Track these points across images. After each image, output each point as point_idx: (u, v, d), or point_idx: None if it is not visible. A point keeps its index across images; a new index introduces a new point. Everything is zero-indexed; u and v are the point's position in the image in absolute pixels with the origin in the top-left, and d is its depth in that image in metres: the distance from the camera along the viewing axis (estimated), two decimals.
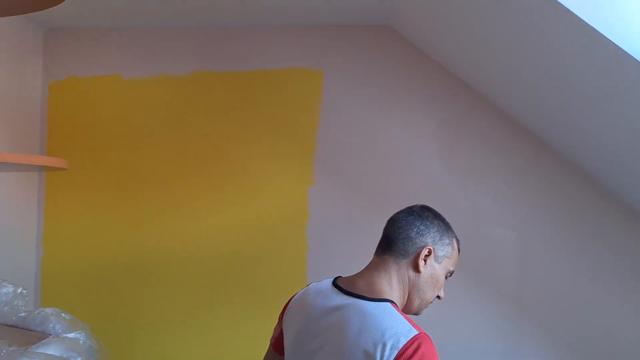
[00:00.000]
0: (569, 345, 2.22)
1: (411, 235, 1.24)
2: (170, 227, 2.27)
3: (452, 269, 1.30)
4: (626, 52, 1.26)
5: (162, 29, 2.30)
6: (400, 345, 1.07)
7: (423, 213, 1.29)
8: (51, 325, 1.30)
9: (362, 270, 1.28)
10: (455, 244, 1.30)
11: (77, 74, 2.34)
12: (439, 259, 1.25)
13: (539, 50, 1.65)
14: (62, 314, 1.36)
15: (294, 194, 2.26)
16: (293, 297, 1.35)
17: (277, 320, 1.38)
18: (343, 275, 1.30)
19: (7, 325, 1.35)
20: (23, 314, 1.36)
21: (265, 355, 1.41)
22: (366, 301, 1.17)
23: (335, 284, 1.26)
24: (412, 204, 1.33)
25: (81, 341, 1.23)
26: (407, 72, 2.25)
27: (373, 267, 1.25)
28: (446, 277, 1.29)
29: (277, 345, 1.36)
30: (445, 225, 1.29)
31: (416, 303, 1.26)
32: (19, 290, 1.42)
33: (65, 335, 1.24)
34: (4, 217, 2.13)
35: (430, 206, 1.33)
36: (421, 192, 2.25)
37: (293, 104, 2.27)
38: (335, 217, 2.25)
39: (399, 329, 1.11)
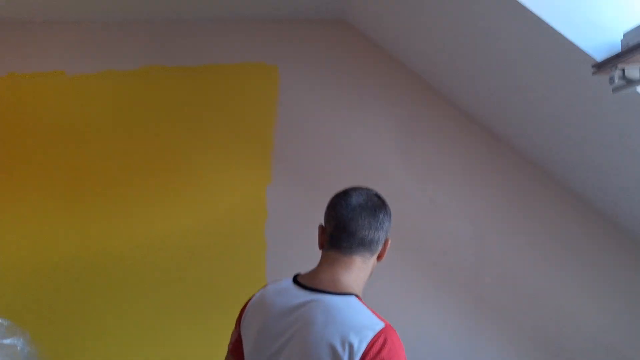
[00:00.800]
0: (524, 331, 2.26)
1: (382, 235, 1.22)
2: (120, 229, 2.15)
3: None
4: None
5: (108, 22, 2.20)
6: (368, 340, 1.06)
7: (384, 205, 1.26)
8: None
9: (324, 264, 1.22)
10: None
11: (18, 71, 2.20)
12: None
13: (493, 44, 1.66)
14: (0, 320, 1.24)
15: (251, 192, 2.20)
16: (250, 300, 1.29)
17: (234, 324, 1.31)
18: (302, 273, 1.25)
19: None
20: None
21: None
22: (331, 295, 1.14)
23: (296, 281, 1.22)
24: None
25: (19, 347, 1.13)
26: (364, 66, 2.23)
27: (337, 264, 1.20)
28: None
29: (235, 350, 1.29)
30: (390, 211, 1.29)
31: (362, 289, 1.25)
32: None
33: (1, 341, 1.13)
34: None
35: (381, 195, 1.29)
36: (380, 188, 2.22)
37: (248, 99, 2.21)
38: (293, 215, 2.19)
39: (365, 322, 1.09)
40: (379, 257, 1.25)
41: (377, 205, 1.24)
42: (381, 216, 1.23)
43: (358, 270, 1.20)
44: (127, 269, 2.14)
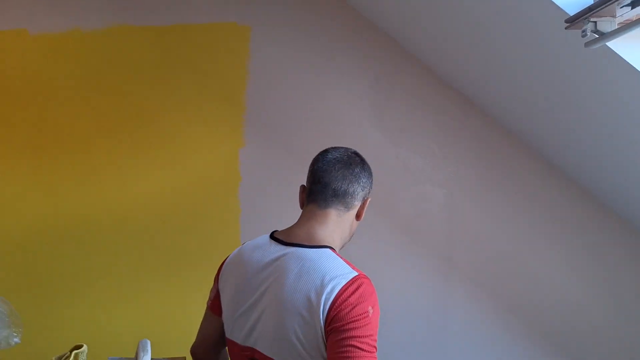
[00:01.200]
0: (495, 292, 2.33)
1: (357, 190, 1.24)
2: (90, 191, 2.11)
3: None
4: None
5: None
6: (340, 287, 1.09)
7: (362, 162, 1.28)
8: None
9: (301, 219, 1.25)
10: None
11: None
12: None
13: (465, 4, 1.66)
14: None
15: (224, 156, 2.17)
16: (227, 257, 1.31)
17: (212, 284, 1.33)
18: (279, 229, 1.27)
19: None
20: None
21: (203, 319, 1.35)
22: (305, 248, 1.17)
23: (273, 236, 1.24)
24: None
25: None
26: (338, 29, 2.21)
27: (313, 218, 1.22)
28: None
29: (215, 306, 1.31)
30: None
31: (344, 244, 1.29)
32: None
33: None
34: None
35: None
36: (355, 149, 2.24)
37: (219, 61, 2.17)
38: (268, 179, 2.19)
39: (338, 272, 1.12)
40: (358, 217, 1.27)
41: (353, 160, 1.26)
42: (357, 170, 1.25)
43: (333, 224, 1.22)
44: (98, 231, 2.11)
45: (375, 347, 1.08)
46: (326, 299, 1.08)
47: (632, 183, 1.99)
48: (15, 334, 1.23)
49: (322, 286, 1.09)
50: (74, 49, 2.12)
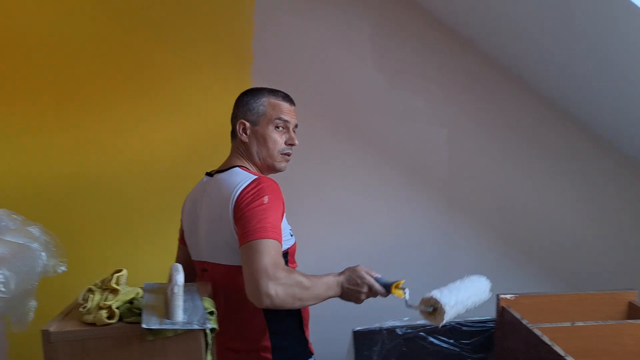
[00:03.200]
0: (494, 227, 2.46)
1: (232, 121, 1.51)
2: (113, 145, 2.22)
3: (283, 117, 1.47)
4: None
5: None
6: (243, 187, 1.31)
7: (243, 94, 1.51)
8: (3, 223, 1.30)
9: None
10: (271, 100, 1.48)
11: None
12: (255, 122, 1.46)
13: None
14: (13, 215, 1.35)
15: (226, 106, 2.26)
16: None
17: None
18: None
19: None
20: None
21: (177, 250, 1.65)
22: (220, 173, 1.43)
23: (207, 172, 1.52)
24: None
25: (36, 234, 1.25)
26: None
27: (230, 151, 1.52)
28: (279, 127, 1.47)
29: (182, 239, 1.61)
30: (252, 95, 1.49)
31: (267, 162, 1.48)
32: None
33: (23, 227, 1.25)
34: None
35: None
36: (357, 96, 2.34)
37: (226, 12, 2.23)
38: None
39: (243, 179, 1.34)
40: (242, 141, 1.47)
41: (239, 96, 1.51)
42: (234, 108, 1.51)
43: (235, 150, 1.50)
44: (122, 182, 2.23)
45: (272, 230, 1.23)
46: (232, 199, 1.29)
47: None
48: (61, 263, 1.37)
49: (231, 192, 1.31)
50: (90, 5, 2.18)
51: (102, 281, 1.31)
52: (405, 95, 2.37)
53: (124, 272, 1.34)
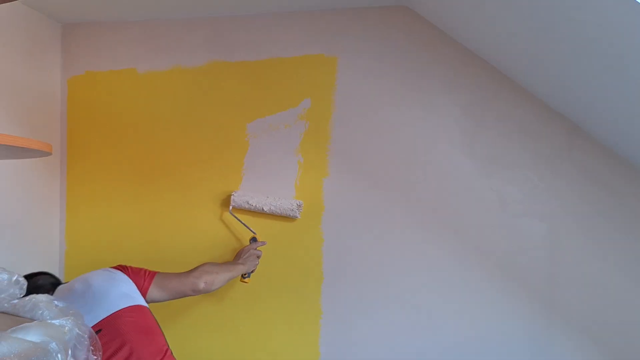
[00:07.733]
0: (605, 343, 2.03)
1: None
2: (183, 220, 2.25)
3: None
4: None
5: (173, 19, 2.29)
6: None
7: None
8: (40, 312, 1.29)
9: None
10: None
11: (94, 69, 2.36)
12: None
13: (565, 25, 1.51)
14: (54, 302, 1.34)
15: (308, 185, 2.18)
16: None
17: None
18: None
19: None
20: (15, 301, 1.35)
21: None
22: None
23: None
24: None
25: (66, 328, 1.20)
26: (427, 54, 2.12)
27: None
28: None
29: None
30: None
31: None
32: (14, 278, 1.41)
33: (51, 321, 1.22)
34: (27, 209, 2.19)
35: None
36: (444, 182, 2.13)
37: (306, 92, 2.19)
38: (350, 209, 2.15)
39: None
40: None
41: None
42: None
43: None
44: (189, 256, 2.22)
45: None
46: None
47: None
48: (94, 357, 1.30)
49: None
50: (177, 85, 2.29)
51: None
52: (498, 183, 2.11)
53: None
